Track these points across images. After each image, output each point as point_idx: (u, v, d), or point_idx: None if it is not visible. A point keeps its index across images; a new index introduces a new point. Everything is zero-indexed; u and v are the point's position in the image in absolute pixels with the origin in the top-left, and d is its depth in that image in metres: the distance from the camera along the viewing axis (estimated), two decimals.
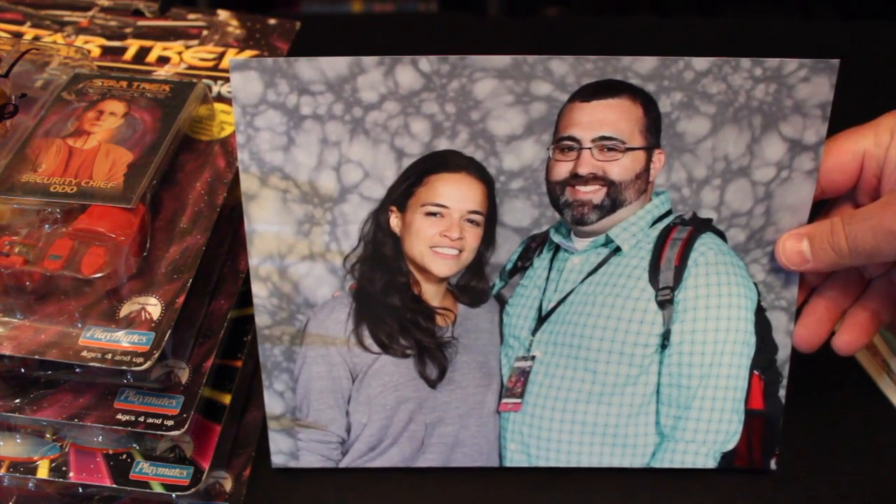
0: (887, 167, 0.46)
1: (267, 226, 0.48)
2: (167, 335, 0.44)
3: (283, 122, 0.46)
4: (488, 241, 0.49)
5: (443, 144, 0.47)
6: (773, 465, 0.51)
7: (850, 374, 0.57)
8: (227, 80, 0.56)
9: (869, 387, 0.57)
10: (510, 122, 0.47)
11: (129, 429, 0.45)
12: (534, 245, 0.50)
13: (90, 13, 0.61)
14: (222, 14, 0.61)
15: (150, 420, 0.45)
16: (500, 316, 0.51)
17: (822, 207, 0.50)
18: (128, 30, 0.60)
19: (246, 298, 0.55)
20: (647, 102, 0.46)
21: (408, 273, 0.49)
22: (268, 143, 0.46)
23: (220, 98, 0.55)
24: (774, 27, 0.88)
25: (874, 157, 0.46)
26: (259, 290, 0.49)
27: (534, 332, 0.50)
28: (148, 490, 0.47)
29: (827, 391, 0.56)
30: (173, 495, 0.48)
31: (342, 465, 0.51)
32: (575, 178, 0.47)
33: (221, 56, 0.58)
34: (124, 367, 0.43)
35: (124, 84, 0.52)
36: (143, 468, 0.48)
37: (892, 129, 0.46)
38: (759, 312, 0.49)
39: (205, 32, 0.60)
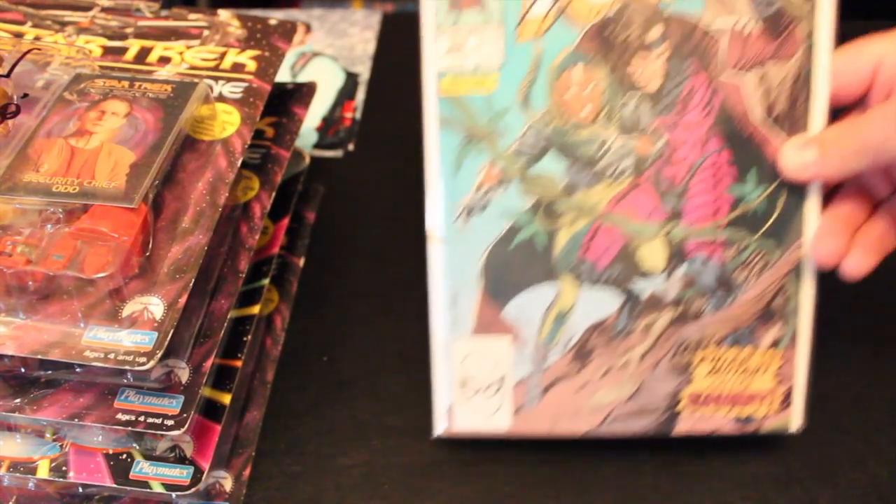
0: None
1: None
2: (170, 335, 0.44)
3: None
4: None
5: None
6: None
7: (849, 373, 0.57)
8: (228, 79, 0.56)
9: (869, 387, 0.57)
10: None
11: (130, 428, 0.45)
12: None
13: (91, 13, 0.61)
14: (223, 14, 0.61)
15: (150, 420, 0.45)
16: None
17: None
18: (129, 30, 0.60)
19: (246, 298, 0.55)
20: None
21: None
22: None
23: (222, 98, 0.55)
24: None
25: (891, 63, 0.45)
26: None
27: None
28: (148, 490, 0.47)
29: (826, 391, 0.56)
30: (173, 495, 0.48)
31: None
32: None
33: (223, 56, 0.58)
34: (127, 367, 0.43)
35: (126, 84, 0.52)
36: (143, 468, 0.48)
37: None
38: None
39: (206, 32, 0.60)
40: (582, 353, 0.48)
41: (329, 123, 0.79)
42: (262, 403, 0.56)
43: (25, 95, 0.50)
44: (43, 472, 0.47)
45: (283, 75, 0.73)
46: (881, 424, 0.55)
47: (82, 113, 0.50)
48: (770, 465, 0.53)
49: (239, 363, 0.52)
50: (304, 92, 0.65)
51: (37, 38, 0.58)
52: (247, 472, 0.52)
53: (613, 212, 0.47)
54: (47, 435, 0.48)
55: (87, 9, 0.61)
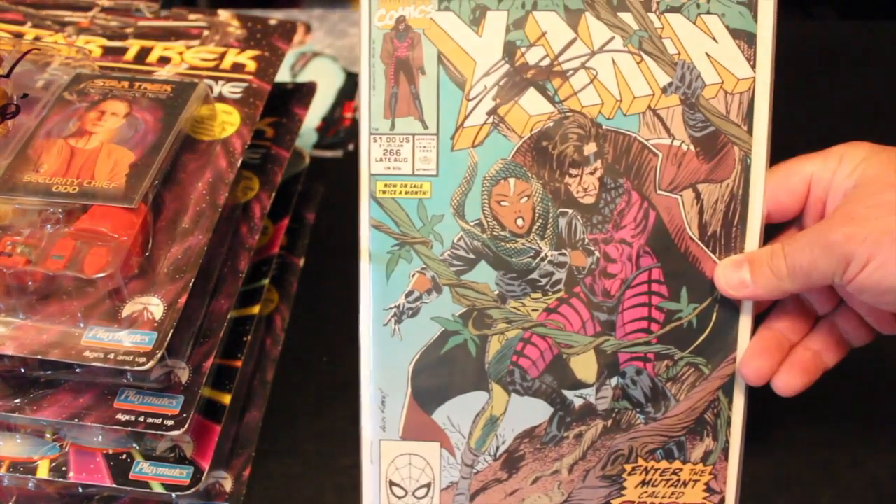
0: (833, 191, 0.45)
1: None
2: (170, 335, 0.44)
3: None
4: None
5: None
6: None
7: (849, 374, 0.57)
8: (228, 80, 0.56)
9: (868, 387, 0.57)
10: None
11: (129, 429, 0.45)
12: None
13: (91, 13, 0.61)
14: (223, 14, 0.62)
15: (150, 420, 0.45)
16: None
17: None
18: (129, 30, 0.60)
19: (246, 298, 0.55)
20: None
21: None
22: None
23: (222, 98, 0.55)
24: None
25: (821, 181, 0.45)
26: None
27: None
28: (148, 490, 0.47)
29: (826, 391, 0.56)
30: (173, 495, 0.48)
31: None
32: None
33: (222, 56, 0.58)
34: (127, 367, 0.43)
35: (126, 84, 0.52)
36: (143, 468, 0.48)
37: (842, 154, 0.45)
38: None
39: (205, 33, 0.60)
40: (512, 460, 0.48)
41: (329, 123, 0.79)
42: (262, 403, 0.56)
43: (25, 95, 0.50)
44: (43, 472, 0.47)
45: (283, 75, 0.73)
46: (881, 425, 0.55)
47: (82, 113, 0.50)
48: (770, 465, 0.53)
49: (239, 363, 0.52)
50: (304, 92, 0.65)
51: (37, 38, 0.58)
52: (247, 472, 0.52)
53: (546, 322, 0.47)
54: (47, 435, 0.48)
55: (87, 9, 0.61)
